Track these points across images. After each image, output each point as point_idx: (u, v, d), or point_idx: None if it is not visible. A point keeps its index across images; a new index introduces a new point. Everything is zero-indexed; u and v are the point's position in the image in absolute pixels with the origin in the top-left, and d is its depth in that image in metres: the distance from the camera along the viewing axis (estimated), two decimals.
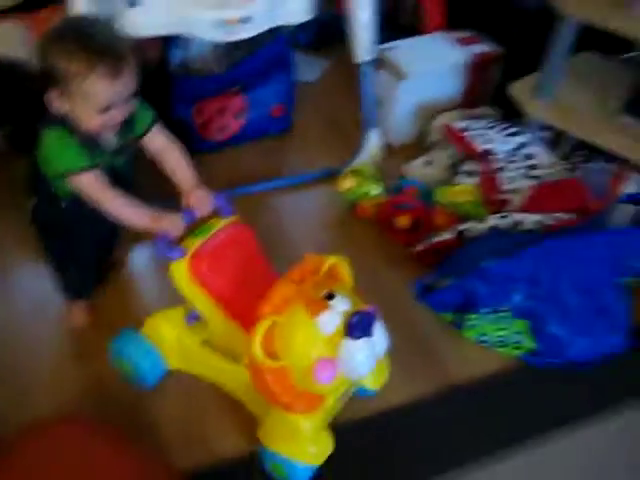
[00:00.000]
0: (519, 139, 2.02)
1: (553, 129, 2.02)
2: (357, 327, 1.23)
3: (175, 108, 2.08)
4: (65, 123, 1.35)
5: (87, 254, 1.63)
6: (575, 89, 2.02)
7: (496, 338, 1.75)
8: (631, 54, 2.16)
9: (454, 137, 2.08)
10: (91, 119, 1.33)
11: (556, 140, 2.04)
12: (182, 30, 1.86)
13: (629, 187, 1.90)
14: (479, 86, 2.35)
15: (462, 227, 1.85)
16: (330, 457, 1.41)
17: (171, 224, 1.39)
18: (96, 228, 1.56)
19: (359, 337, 1.23)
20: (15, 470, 1.10)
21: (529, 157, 1.99)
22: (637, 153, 1.84)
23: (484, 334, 1.75)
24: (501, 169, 1.98)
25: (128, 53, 1.30)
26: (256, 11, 1.91)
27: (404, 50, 2.26)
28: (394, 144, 2.33)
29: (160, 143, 1.50)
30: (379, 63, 2.21)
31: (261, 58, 2.12)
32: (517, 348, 1.75)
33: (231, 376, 1.52)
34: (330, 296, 1.28)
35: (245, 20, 1.90)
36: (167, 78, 2.06)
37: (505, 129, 2.05)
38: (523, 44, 2.22)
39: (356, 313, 1.24)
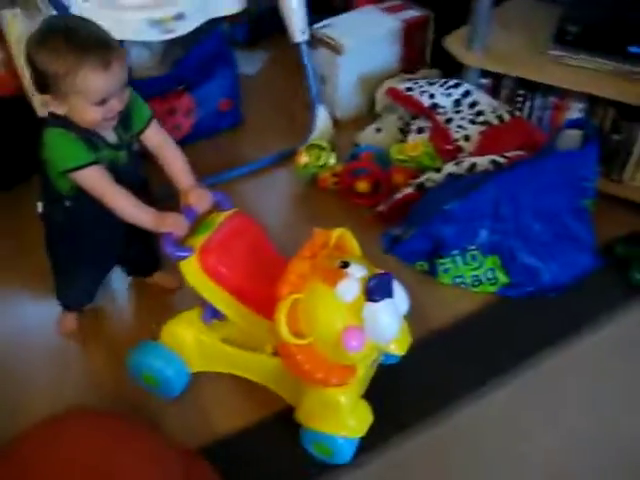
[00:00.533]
0: (461, 90, 2.08)
1: (491, 76, 2.09)
2: (377, 290, 1.23)
3: None
4: (64, 122, 1.35)
5: (93, 259, 1.61)
6: (507, 34, 2.08)
7: (471, 278, 1.80)
8: None
9: (400, 98, 2.14)
10: (90, 114, 1.33)
11: (496, 86, 2.11)
12: (118, 36, 1.90)
13: (571, 115, 1.98)
14: (415, 50, 2.43)
15: (420, 180, 1.91)
16: None
17: (175, 223, 1.39)
18: (102, 231, 1.54)
19: (380, 299, 1.23)
20: (24, 461, 1.12)
21: (473, 105, 2.06)
22: (571, 82, 1.91)
23: (459, 276, 1.81)
24: (449, 120, 2.04)
25: (115, 43, 1.32)
26: (188, 7, 1.96)
27: (338, 26, 2.33)
28: (343, 118, 2.39)
29: (157, 140, 1.51)
30: (316, 42, 2.27)
31: (200, 54, 2.16)
32: (492, 284, 1.81)
33: (258, 366, 1.53)
34: (345, 264, 1.29)
35: (178, 17, 1.95)
36: None
37: (445, 83, 2.11)
38: (449, 2, 2.30)
39: (373, 277, 1.25)
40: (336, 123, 2.33)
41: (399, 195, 1.93)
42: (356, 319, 1.25)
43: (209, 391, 1.60)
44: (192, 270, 1.40)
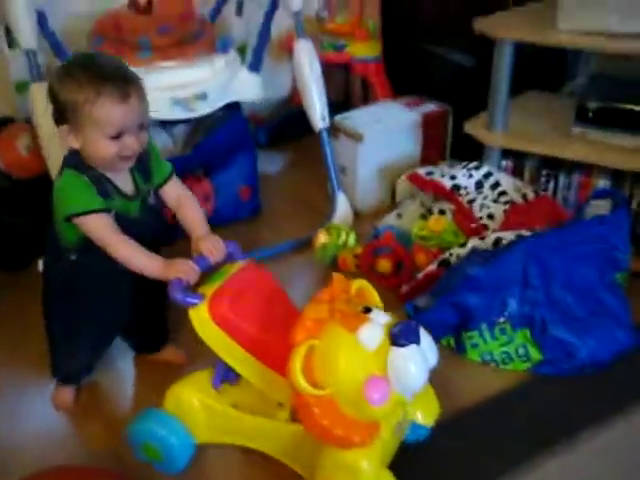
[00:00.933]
0: (482, 171, 2.06)
1: (512, 158, 2.08)
2: (404, 334, 1.15)
3: None
4: (79, 163, 1.34)
5: (96, 323, 1.50)
6: (526, 118, 2.09)
7: (500, 355, 1.68)
8: (566, 87, 2.28)
9: (420, 182, 2.12)
10: (104, 148, 1.31)
11: (518, 168, 2.09)
12: None
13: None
14: (435, 143, 2.44)
15: (444, 256, 1.84)
16: None
17: (184, 269, 1.32)
18: (109, 291, 1.47)
19: (407, 344, 1.15)
20: None
21: (496, 185, 2.02)
22: (595, 157, 1.89)
23: (488, 353, 1.69)
24: (472, 201, 2.01)
25: (135, 78, 1.32)
26: (211, 88, 2.01)
27: (358, 117, 2.36)
28: (363, 209, 2.36)
29: (176, 193, 1.50)
30: (336, 131, 2.30)
31: (221, 139, 2.18)
32: (524, 362, 1.68)
33: (271, 435, 1.39)
34: (367, 310, 1.22)
35: (201, 97, 1.99)
36: None
37: (466, 166, 2.10)
38: (466, 97, 2.34)
39: (399, 322, 1.18)
40: (356, 214, 2.31)
41: (422, 274, 1.86)
42: (380, 369, 1.16)
43: (217, 466, 1.46)
44: (202, 318, 1.30)
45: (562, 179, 2.01)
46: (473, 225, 1.94)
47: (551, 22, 1.86)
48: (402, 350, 1.15)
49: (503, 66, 1.93)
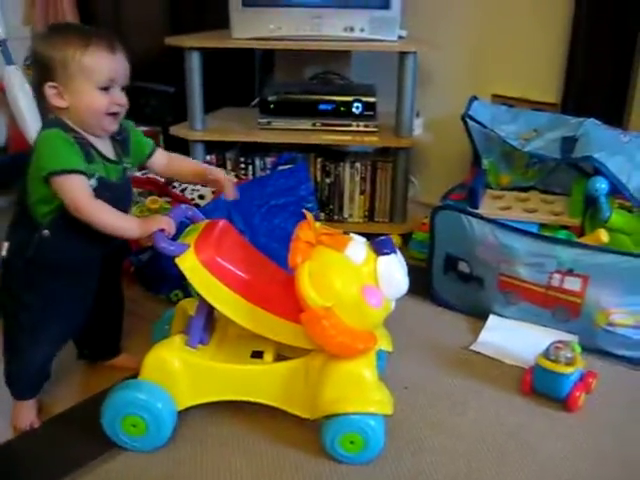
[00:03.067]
0: None
1: (215, 152, 2.44)
2: (385, 245, 1.32)
3: None
4: (63, 124, 1.32)
5: (59, 312, 1.43)
6: (223, 121, 2.49)
7: None
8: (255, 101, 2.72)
9: (137, 181, 2.34)
10: (96, 100, 1.31)
11: (221, 160, 2.45)
12: None
13: None
14: None
15: None
16: None
17: (163, 222, 1.34)
18: (75, 275, 1.43)
19: (390, 253, 1.32)
20: None
21: None
22: (280, 138, 2.31)
23: None
24: (184, 189, 2.28)
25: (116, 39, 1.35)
26: None
27: None
28: None
29: (164, 157, 1.54)
30: None
31: None
32: None
33: (260, 380, 1.43)
34: (346, 234, 1.37)
35: None
36: None
37: None
38: (173, 116, 2.67)
39: (377, 239, 1.34)
40: None
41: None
42: (371, 279, 1.31)
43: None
44: (192, 265, 1.33)
45: (257, 162, 2.40)
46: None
47: (228, 35, 2.28)
48: (387, 258, 1.32)
49: (193, 71, 2.29)
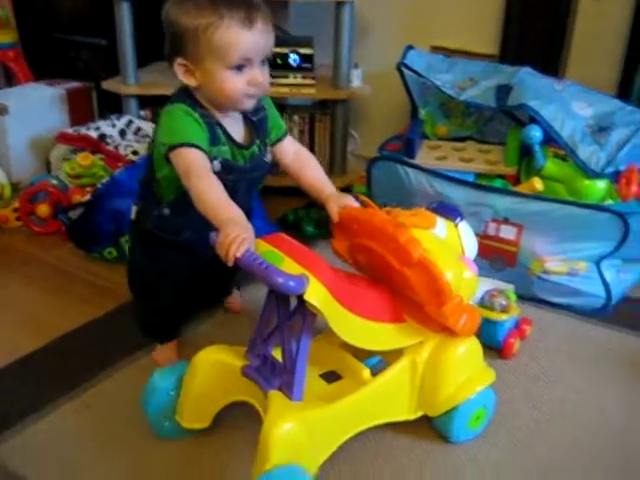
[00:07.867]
0: (124, 120, 2.29)
1: (149, 107, 2.36)
2: (452, 210, 1.31)
3: None
4: (192, 100, 1.23)
5: (181, 278, 1.43)
6: (155, 76, 2.40)
7: None
8: None
9: (68, 138, 2.27)
10: (229, 82, 1.19)
11: (155, 116, 2.37)
12: None
13: None
14: (82, 114, 2.62)
15: (97, 186, 2.02)
16: None
17: (247, 236, 1.07)
18: (184, 255, 1.40)
19: (461, 215, 1.31)
20: None
21: (138, 130, 2.27)
22: None
23: None
24: (118, 146, 2.21)
25: (262, 5, 1.20)
26: None
27: (8, 94, 2.50)
28: (20, 180, 2.43)
29: (293, 149, 1.40)
30: None
31: None
32: None
33: (365, 402, 1.24)
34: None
35: None
36: None
37: (107, 117, 2.31)
38: (106, 70, 2.58)
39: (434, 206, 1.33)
40: (14, 186, 2.36)
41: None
42: (458, 248, 1.29)
43: None
44: (323, 297, 1.08)
45: None
46: (121, 164, 2.15)
47: None
48: (464, 222, 1.31)
49: (124, 21, 2.22)
